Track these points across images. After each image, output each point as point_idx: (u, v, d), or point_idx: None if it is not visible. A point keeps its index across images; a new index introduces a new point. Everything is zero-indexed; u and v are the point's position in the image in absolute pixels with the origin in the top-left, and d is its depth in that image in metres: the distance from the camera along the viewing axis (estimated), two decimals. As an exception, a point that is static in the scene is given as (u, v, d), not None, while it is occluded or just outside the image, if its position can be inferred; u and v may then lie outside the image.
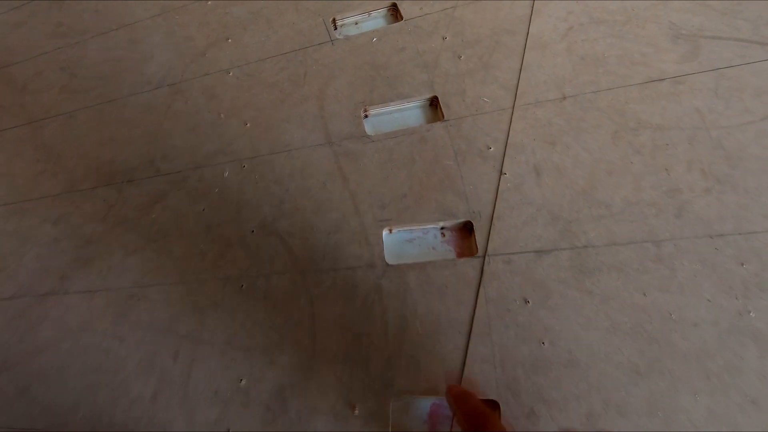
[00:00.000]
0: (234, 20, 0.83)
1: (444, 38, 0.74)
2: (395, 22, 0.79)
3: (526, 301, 0.53)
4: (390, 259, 0.59)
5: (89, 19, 0.88)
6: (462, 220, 0.59)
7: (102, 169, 0.69)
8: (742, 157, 0.59)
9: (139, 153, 0.70)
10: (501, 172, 0.61)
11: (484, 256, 0.56)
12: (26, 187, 0.70)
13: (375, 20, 0.82)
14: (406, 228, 0.61)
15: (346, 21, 0.81)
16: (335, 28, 0.80)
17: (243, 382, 0.53)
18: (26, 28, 0.87)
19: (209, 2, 0.84)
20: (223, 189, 0.65)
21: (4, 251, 0.66)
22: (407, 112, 0.71)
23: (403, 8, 0.79)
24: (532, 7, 0.76)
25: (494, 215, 0.59)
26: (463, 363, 0.51)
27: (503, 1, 0.77)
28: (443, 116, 0.67)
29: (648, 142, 0.62)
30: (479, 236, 0.58)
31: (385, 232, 0.61)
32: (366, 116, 0.70)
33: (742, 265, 0.52)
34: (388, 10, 0.81)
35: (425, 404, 0.51)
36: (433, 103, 0.70)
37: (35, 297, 0.61)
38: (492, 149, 0.63)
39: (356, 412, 0.50)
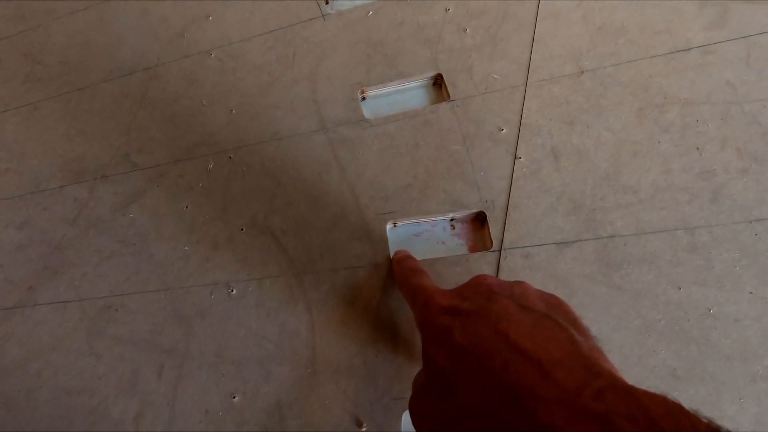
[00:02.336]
0: (214, -4, 0.77)
1: (447, 9, 0.69)
2: (392, -7, 0.73)
3: (549, 300, 0.49)
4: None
5: (50, -1, 0.82)
6: (474, 210, 0.55)
7: (71, 165, 0.64)
8: (782, 132, 0.55)
9: (112, 147, 0.65)
10: (515, 157, 0.57)
11: (500, 251, 0.52)
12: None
13: (369, -7, 0.76)
14: (412, 221, 0.56)
15: (338, -5, 0.75)
16: (326, 2, 0.74)
17: (236, 399, 0.49)
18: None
19: (185, -23, 0.78)
20: (207, 184, 0.61)
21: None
22: (409, 93, 0.66)
23: (400, -22, 0.73)
24: (543, -27, 0.70)
25: (509, 205, 0.54)
26: (481, 371, 0.47)
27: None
28: (449, 96, 0.62)
29: (677, 119, 0.57)
30: (493, 228, 0.54)
31: (389, 227, 0.56)
32: (364, 98, 0.65)
33: (787, 252, 0.48)
34: (384, -19, 0.75)
35: (440, 417, 0.47)
36: (437, 81, 0.65)
37: None
38: (504, 131, 0.59)
39: (364, 428, 0.46)
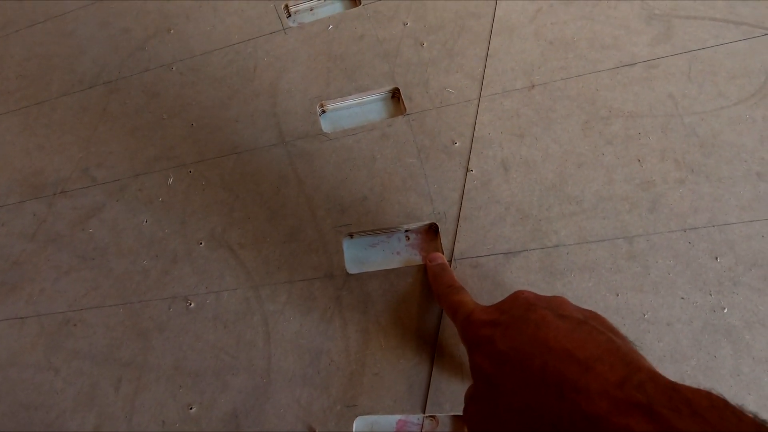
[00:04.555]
0: (176, 8, 0.79)
1: (405, 24, 0.73)
2: (353, 7, 0.77)
3: (495, 308, 0.52)
4: (351, 267, 0.58)
5: (12, 9, 0.83)
6: (427, 222, 0.59)
7: (29, 180, 0.66)
8: (716, 144, 0.59)
9: (72, 161, 0.67)
10: (467, 169, 0.60)
11: (450, 261, 0.55)
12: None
13: (332, 5, 0.79)
14: (367, 233, 0.60)
15: (300, 7, 0.78)
16: (288, 16, 0.77)
17: (193, 409, 0.52)
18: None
19: (147, -11, 0.80)
20: (167, 198, 0.63)
21: None
22: (367, 106, 0.69)
23: (361, -8, 0.77)
24: (499, -12, 0.74)
25: (460, 216, 0.58)
26: (429, 376, 0.51)
27: (468, -18, 0.75)
28: (405, 109, 0.66)
29: (620, 131, 0.61)
30: (445, 239, 0.57)
31: (345, 239, 0.59)
32: (323, 112, 0.69)
33: (717, 259, 0.53)
34: (345, -7, 0.79)
35: (391, 421, 0.51)
36: (395, 95, 0.68)
37: (-43, 328, 0.58)
38: (457, 144, 0.62)
39: (317, 436, 0.49)
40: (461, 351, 0.51)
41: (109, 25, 0.79)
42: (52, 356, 0.55)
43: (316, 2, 0.79)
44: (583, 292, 0.53)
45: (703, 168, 0.58)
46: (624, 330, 0.51)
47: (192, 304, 0.56)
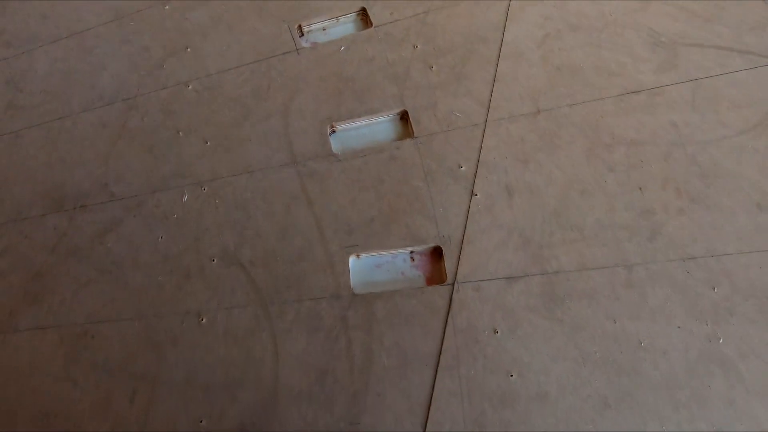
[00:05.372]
0: (193, 26, 0.82)
1: (415, 47, 0.75)
2: (365, 27, 0.79)
3: (495, 331, 0.55)
4: (357, 286, 0.60)
5: (36, 25, 0.87)
6: (431, 245, 0.61)
7: (51, 193, 0.69)
8: (717, 174, 0.61)
9: (92, 176, 0.70)
10: (472, 194, 0.63)
11: (453, 284, 0.58)
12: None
13: (344, 26, 0.82)
14: (374, 253, 0.62)
15: (313, 27, 0.81)
16: (301, 35, 0.80)
17: (203, 422, 0.54)
18: (-34, 37, 0.85)
19: (167, 7, 0.84)
20: (181, 215, 0.66)
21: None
22: (376, 127, 0.72)
23: (373, 13, 0.79)
24: (507, 12, 0.76)
25: (464, 239, 0.60)
26: (430, 397, 0.53)
27: (477, 3, 0.78)
28: (413, 132, 0.68)
29: (623, 158, 0.63)
30: (449, 262, 0.59)
31: (352, 258, 0.62)
32: (333, 132, 0.71)
33: (714, 289, 0.55)
34: (358, 14, 0.82)
35: (392, 440, 0.53)
36: (404, 117, 0.71)
37: (-19, 336, 0.61)
38: (463, 168, 0.65)
39: (321, 451, 0.52)
40: (461, 373, 0.53)
41: (129, 42, 0.82)
42: (70, 367, 0.59)
43: (329, 22, 0.82)
44: (581, 319, 0.55)
45: (704, 198, 0.60)
46: (620, 357, 0.53)
47: (204, 320, 0.59)
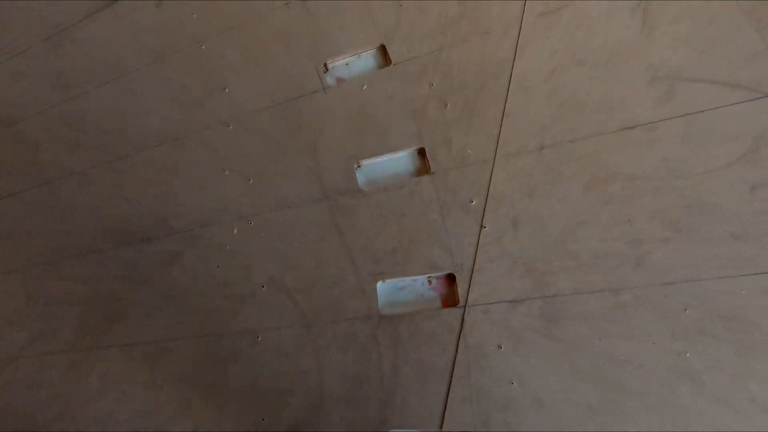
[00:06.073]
0: (227, 65, 0.91)
1: (431, 84, 0.83)
2: (385, 65, 0.87)
3: (500, 347, 0.66)
4: (384, 307, 0.72)
5: (85, 67, 0.97)
6: (446, 272, 0.72)
7: (119, 227, 0.82)
8: (702, 206, 0.69)
9: (152, 212, 0.82)
10: (481, 226, 0.73)
11: (464, 307, 0.69)
12: (46, 247, 0.83)
13: (365, 60, 0.90)
14: (397, 279, 0.73)
15: (337, 63, 0.89)
16: (326, 71, 0.88)
17: (265, 420, 0.68)
18: (27, 79, 0.96)
19: (203, 47, 0.92)
20: (233, 246, 0.78)
21: (45, 312, 0.80)
22: (398, 162, 0.81)
23: (392, 50, 0.87)
24: (516, 47, 0.83)
25: (474, 268, 0.71)
26: (446, 402, 0.65)
27: (488, 38, 0.84)
28: (430, 169, 0.77)
29: (618, 192, 0.72)
30: (461, 287, 0.70)
31: (379, 283, 0.73)
32: (359, 166, 0.81)
33: (686, 310, 0.64)
34: (377, 50, 0.89)
35: (416, 436, 0.66)
36: (421, 152, 0.80)
37: (80, 351, 0.76)
38: (474, 203, 0.74)
39: (359, 445, 0.65)
40: (471, 383, 0.65)
41: (170, 81, 0.92)
42: (155, 376, 0.73)
43: (351, 58, 0.90)
44: (575, 337, 0.66)
45: (687, 228, 0.69)
46: (605, 370, 0.64)
47: (259, 338, 0.72)
